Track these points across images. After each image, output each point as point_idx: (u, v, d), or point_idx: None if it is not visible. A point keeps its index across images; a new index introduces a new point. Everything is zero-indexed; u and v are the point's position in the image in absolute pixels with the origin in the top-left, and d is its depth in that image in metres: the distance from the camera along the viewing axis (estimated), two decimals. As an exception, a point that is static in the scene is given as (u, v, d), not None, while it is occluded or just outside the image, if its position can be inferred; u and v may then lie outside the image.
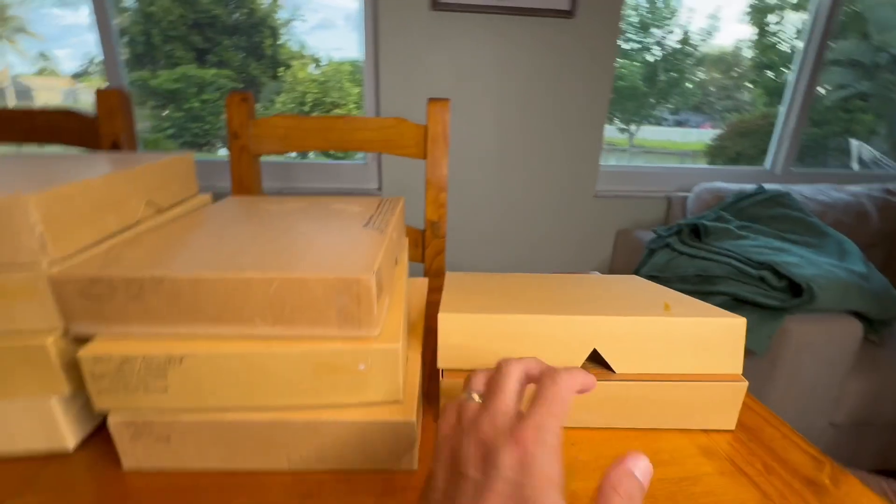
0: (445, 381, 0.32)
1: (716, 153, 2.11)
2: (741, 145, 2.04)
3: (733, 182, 1.62)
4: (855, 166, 2.14)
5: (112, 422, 0.28)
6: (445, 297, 0.36)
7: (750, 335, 0.96)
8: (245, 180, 0.64)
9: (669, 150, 2.18)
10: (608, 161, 1.72)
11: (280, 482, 0.28)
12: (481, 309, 0.33)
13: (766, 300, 0.95)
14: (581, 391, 0.21)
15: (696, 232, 1.21)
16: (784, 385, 0.97)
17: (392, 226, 0.38)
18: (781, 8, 1.92)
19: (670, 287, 1.15)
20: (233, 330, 0.27)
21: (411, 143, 0.64)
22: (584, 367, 0.32)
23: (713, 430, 0.33)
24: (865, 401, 1.00)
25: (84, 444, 0.31)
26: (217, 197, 0.47)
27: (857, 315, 1.00)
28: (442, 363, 0.33)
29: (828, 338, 0.93)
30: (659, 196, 1.61)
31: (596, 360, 0.32)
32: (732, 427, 0.33)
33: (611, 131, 2.05)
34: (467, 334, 0.32)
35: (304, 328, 0.27)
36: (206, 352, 0.26)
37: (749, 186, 1.41)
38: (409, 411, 0.28)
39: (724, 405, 0.32)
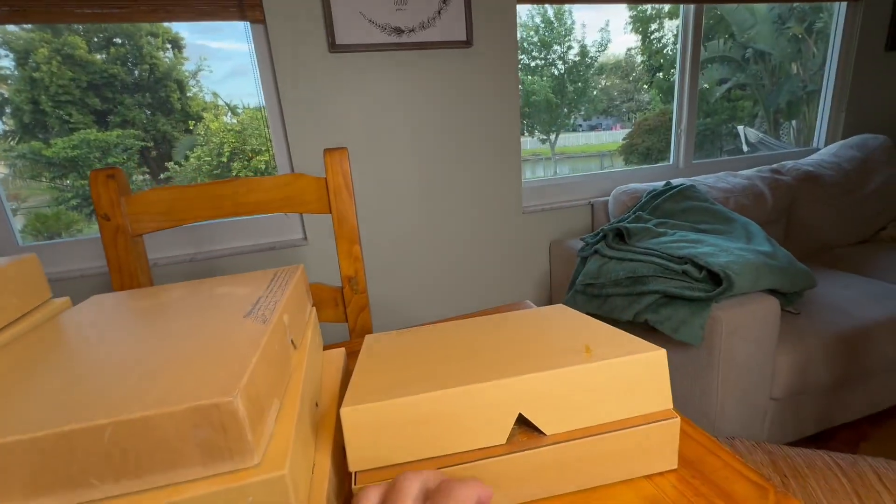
0: (359, 488, 0.27)
1: (629, 151, 2.28)
2: (649, 141, 2.21)
3: (646, 181, 1.73)
4: (745, 147, 2.39)
5: None
6: (353, 381, 0.31)
7: (685, 328, 0.99)
8: (125, 265, 0.56)
9: (589, 152, 2.33)
10: (536, 170, 1.77)
11: None
12: (389, 393, 0.29)
13: (693, 293, 0.99)
14: None
15: (621, 234, 1.26)
16: (723, 370, 1.00)
17: (282, 307, 0.33)
18: (658, 17, 2.14)
19: (606, 292, 1.17)
20: (59, 499, 0.21)
21: (313, 198, 0.60)
22: (512, 432, 0.29)
23: (656, 473, 0.31)
24: (796, 371, 1.06)
25: None
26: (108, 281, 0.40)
27: (773, 292, 1.07)
28: (353, 465, 0.28)
29: (752, 318, 0.99)
30: (582, 203, 1.67)
31: (524, 422, 0.30)
32: (674, 466, 0.31)
33: (533, 143, 2.15)
34: (378, 426, 0.28)
35: (158, 476, 0.22)
36: (19, 540, 0.20)
37: (659, 184, 1.50)
38: (311, 546, 0.23)
39: (662, 446, 0.30)
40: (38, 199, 1.34)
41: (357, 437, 0.28)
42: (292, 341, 0.34)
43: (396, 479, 0.19)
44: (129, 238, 0.56)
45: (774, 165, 1.72)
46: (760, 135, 2.44)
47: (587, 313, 1.28)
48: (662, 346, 1.07)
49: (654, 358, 0.30)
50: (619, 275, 1.12)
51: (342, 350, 0.45)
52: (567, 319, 0.40)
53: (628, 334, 0.34)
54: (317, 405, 0.35)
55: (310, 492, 0.27)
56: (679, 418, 0.30)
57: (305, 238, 1.36)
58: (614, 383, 0.30)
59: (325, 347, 0.48)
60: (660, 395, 0.30)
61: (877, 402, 1.23)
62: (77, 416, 0.21)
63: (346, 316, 0.61)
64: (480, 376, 0.29)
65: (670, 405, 0.31)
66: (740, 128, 2.44)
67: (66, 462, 0.21)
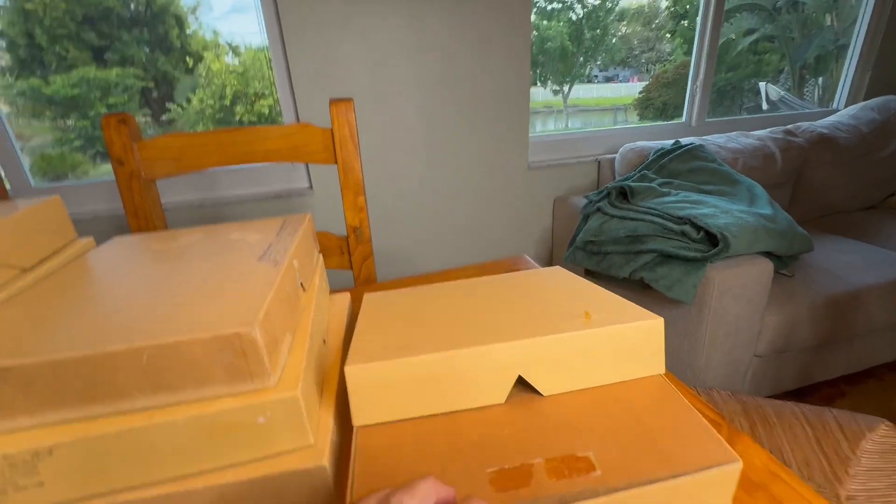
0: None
1: (644, 105, 2.19)
2: (666, 95, 2.13)
3: (656, 138, 1.70)
4: (764, 106, 2.30)
5: (-15, 528, 0.25)
6: (356, 340, 0.32)
7: (678, 287, 1.02)
8: (140, 210, 0.59)
9: (603, 105, 2.24)
10: (547, 123, 1.74)
11: (193, 552, 0.27)
12: (392, 353, 0.30)
13: (689, 253, 1.01)
14: None
15: (624, 193, 1.26)
16: (712, 328, 1.05)
17: (292, 253, 0.36)
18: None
19: (605, 249, 1.19)
20: (107, 408, 0.25)
21: (319, 148, 0.61)
22: (511, 392, 0.30)
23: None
24: (783, 331, 1.11)
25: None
26: (122, 222, 0.43)
27: (769, 254, 1.09)
28: (357, 420, 0.29)
29: (745, 279, 1.01)
30: (589, 160, 1.66)
31: (521, 382, 0.31)
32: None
33: (545, 94, 2.08)
34: (381, 384, 0.29)
35: (189, 392, 0.25)
36: (77, 437, 0.24)
37: (668, 143, 1.48)
38: (320, 455, 0.28)
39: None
40: (41, 139, 1.34)
41: (360, 394, 0.29)
42: (301, 284, 0.37)
43: (391, 499, 0.19)
44: (143, 183, 0.58)
45: (789, 126, 1.68)
46: (782, 93, 2.35)
47: (586, 269, 1.31)
48: (656, 303, 1.11)
49: (652, 326, 0.31)
50: (619, 233, 1.14)
51: (347, 295, 0.48)
52: (567, 283, 0.41)
53: (626, 301, 0.35)
54: (324, 342, 0.39)
55: (319, 415, 0.31)
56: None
57: (311, 187, 1.37)
58: (612, 349, 0.31)
59: (331, 292, 0.51)
60: (654, 360, 0.31)
61: (856, 363, 1.28)
62: (119, 339, 0.24)
63: (351, 264, 0.65)
64: (482, 339, 0.30)
65: (663, 370, 0.32)
66: (762, 84, 2.34)
67: (111, 377, 0.24)
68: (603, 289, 0.38)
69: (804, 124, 1.69)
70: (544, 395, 0.30)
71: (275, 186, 1.37)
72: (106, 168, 1.38)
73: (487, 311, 0.36)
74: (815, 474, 0.62)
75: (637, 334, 0.31)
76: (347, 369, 0.28)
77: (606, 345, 0.31)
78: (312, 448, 0.28)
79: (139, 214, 0.58)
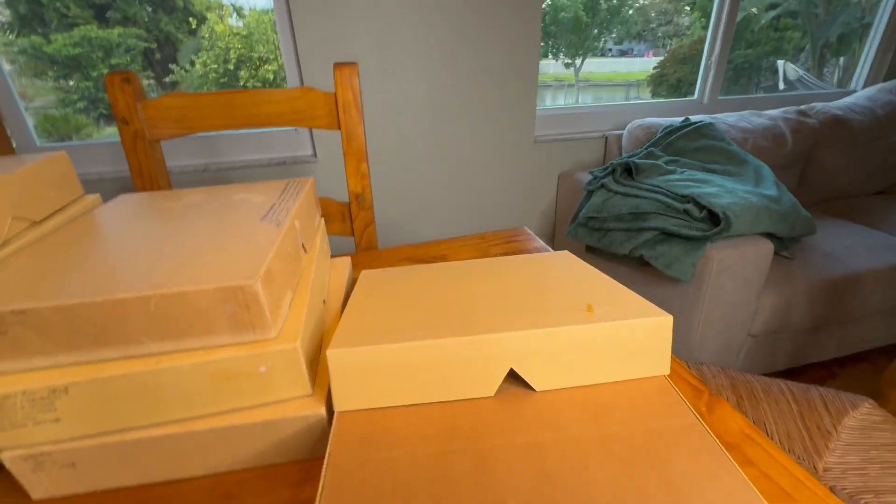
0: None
1: (658, 82, 2.13)
2: (681, 72, 2.07)
3: (666, 115, 1.67)
4: (781, 85, 2.24)
5: (7, 458, 0.27)
6: (343, 322, 0.31)
7: (677, 265, 1.03)
8: (145, 169, 0.59)
9: (615, 81, 2.18)
10: (557, 98, 1.71)
11: (199, 487, 0.29)
12: (377, 337, 0.28)
13: (690, 231, 1.01)
14: None
15: (629, 170, 1.26)
16: (708, 306, 1.06)
17: (294, 214, 0.37)
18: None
19: (607, 226, 1.20)
20: (118, 352, 0.26)
21: (322, 113, 0.61)
22: (501, 387, 0.29)
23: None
24: (778, 312, 1.12)
25: (-11, 479, 0.30)
26: (127, 184, 0.44)
27: (770, 235, 1.09)
28: (338, 405, 0.28)
29: (744, 260, 1.02)
30: (596, 136, 1.64)
31: (513, 375, 0.29)
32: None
33: (556, 67, 2.02)
34: (364, 369, 0.27)
35: (195, 340, 0.27)
36: (91, 378, 0.26)
37: (677, 120, 1.45)
38: (319, 404, 0.29)
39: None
40: (44, 99, 1.34)
41: (342, 379, 0.28)
42: (303, 245, 0.38)
43: None
44: (148, 143, 0.58)
45: (803, 107, 1.64)
46: (801, 72, 2.28)
47: (587, 245, 1.32)
48: (654, 280, 1.12)
49: (659, 323, 0.29)
50: (622, 210, 1.14)
51: (348, 259, 0.49)
52: (571, 270, 0.39)
53: (634, 293, 0.33)
54: (325, 302, 0.40)
55: (318, 368, 0.32)
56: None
57: (315, 155, 1.37)
58: (613, 346, 0.28)
59: (333, 257, 0.52)
60: (659, 360, 0.29)
61: (848, 345, 1.30)
62: (128, 287, 0.26)
63: (353, 231, 0.65)
64: (473, 328, 0.29)
65: (667, 371, 0.30)
66: (780, 62, 2.27)
67: (121, 323, 0.26)
68: (610, 279, 0.36)
69: (818, 105, 1.65)
70: (537, 390, 0.29)
71: (279, 153, 1.37)
72: (110, 130, 1.38)
73: (484, 298, 0.34)
74: (796, 446, 0.64)
75: (642, 332, 0.28)
76: (329, 353, 0.27)
77: (608, 341, 0.28)
78: (311, 398, 0.30)
79: (144, 174, 0.59)
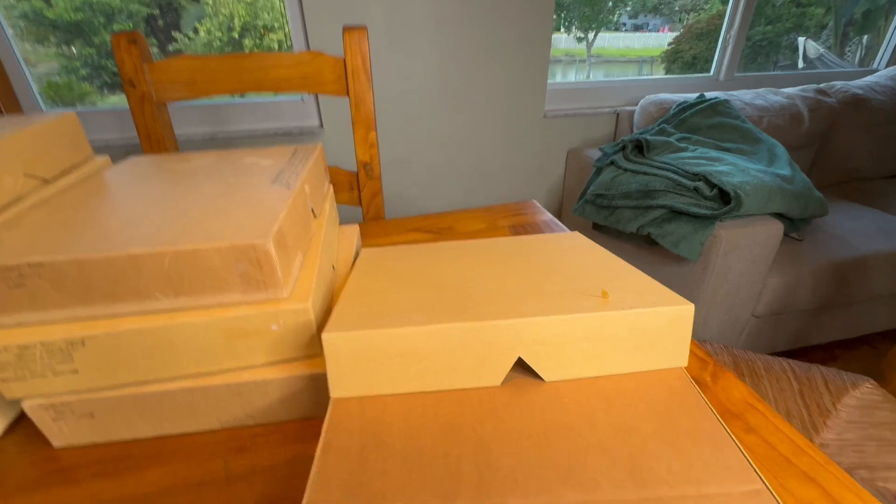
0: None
1: (672, 58, 2.07)
2: (697, 48, 2.00)
3: (680, 91, 1.63)
4: (801, 63, 2.17)
5: (28, 407, 0.28)
6: (340, 304, 0.29)
7: (685, 244, 1.02)
8: (153, 133, 0.59)
9: (629, 57, 2.12)
10: (567, 74, 1.67)
11: (212, 440, 0.30)
12: (376, 321, 0.26)
13: (700, 210, 1.00)
14: None
15: (640, 147, 1.23)
16: (713, 286, 1.06)
17: (304, 178, 0.37)
18: None
19: (615, 203, 1.18)
20: (133, 307, 0.27)
21: (331, 78, 0.60)
22: (508, 375, 0.27)
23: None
24: (783, 293, 1.12)
25: (12, 428, 0.31)
26: (133, 151, 0.44)
27: (780, 216, 1.08)
28: (334, 391, 0.26)
29: (752, 240, 1.01)
30: (608, 112, 1.61)
31: (521, 364, 0.27)
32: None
33: (568, 41, 1.97)
34: (361, 355, 0.26)
35: (209, 297, 0.27)
36: (107, 331, 0.26)
37: (691, 96, 1.42)
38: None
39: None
40: (46, 66, 1.32)
41: (339, 364, 0.26)
42: (312, 210, 0.38)
43: None
44: (155, 106, 0.58)
45: (822, 85, 1.60)
46: (822, 50, 2.20)
47: (594, 223, 1.31)
48: (660, 259, 1.11)
49: (679, 312, 0.26)
50: (631, 187, 1.13)
51: (356, 226, 0.49)
52: (584, 252, 0.37)
53: (651, 279, 0.31)
54: (333, 268, 0.40)
55: (327, 328, 0.33)
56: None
57: (322, 125, 1.35)
58: (629, 335, 0.27)
59: (340, 226, 0.52)
60: (677, 351, 0.27)
61: (851, 328, 1.30)
62: (142, 243, 0.26)
63: (360, 200, 0.65)
64: (479, 313, 0.27)
65: (685, 363, 0.28)
66: (801, 39, 2.19)
67: (135, 278, 0.26)
68: (625, 262, 0.34)
69: (838, 83, 1.60)
70: (546, 380, 0.27)
71: (285, 123, 1.36)
72: (114, 99, 1.36)
73: (491, 280, 0.32)
74: (795, 423, 0.65)
75: (661, 321, 0.26)
76: (325, 336, 0.25)
77: (624, 331, 0.26)
78: (321, 357, 0.30)
79: (152, 138, 0.58)
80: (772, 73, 1.83)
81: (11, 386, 0.27)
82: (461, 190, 1.57)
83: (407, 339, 0.26)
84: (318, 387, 0.30)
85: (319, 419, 0.31)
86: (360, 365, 0.26)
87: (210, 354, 0.28)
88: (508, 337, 0.26)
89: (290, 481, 0.27)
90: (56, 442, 0.29)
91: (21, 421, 0.31)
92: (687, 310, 0.27)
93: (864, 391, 0.68)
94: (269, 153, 0.43)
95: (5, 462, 0.29)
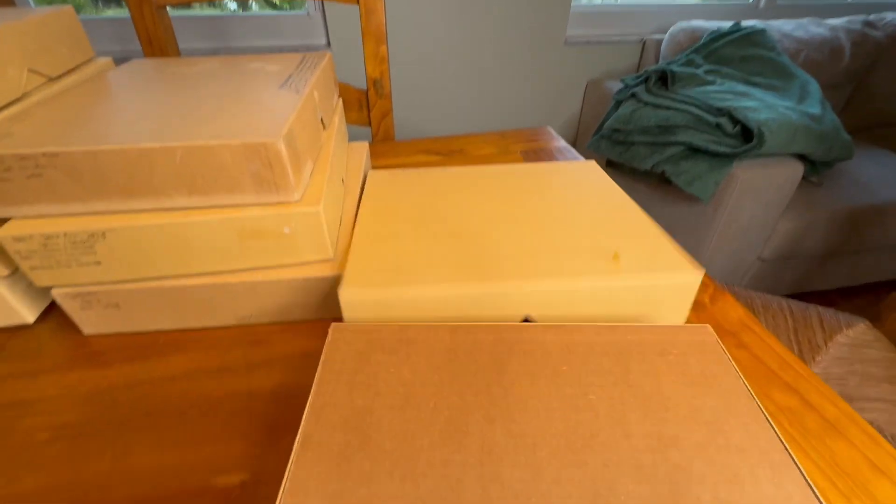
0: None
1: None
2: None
3: (714, 19, 1.51)
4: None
5: (57, 295, 0.29)
6: (353, 254, 0.30)
7: (698, 183, 1.00)
8: (155, 39, 0.56)
9: None
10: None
11: (231, 335, 0.32)
12: (391, 278, 0.27)
13: (719, 147, 0.97)
14: None
15: (664, 79, 1.17)
16: (722, 227, 1.05)
17: (312, 85, 0.35)
18: None
19: (632, 139, 1.14)
20: (150, 203, 0.27)
21: (340, -17, 0.55)
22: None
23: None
24: (792, 237, 1.11)
25: (44, 316, 0.33)
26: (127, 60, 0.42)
27: (802, 158, 1.04)
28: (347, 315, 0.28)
29: (769, 182, 0.99)
30: (634, 40, 1.50)
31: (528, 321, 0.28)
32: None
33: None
34: (376, 308, 0.27)
35: (222, 197, 0.27)
36: (125, 225, 0.27)
37: (726, 24, 1.31)
38: (340, 266, 0.31)
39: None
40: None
41: (354, 312, 0.27)
42: (322, 120, 0.38)
43: None
44: (154, 9, 0.55)
45: (871, 17, 1.46)
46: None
47: (608, 159, 1.27)
48: (671, 198, 1.09)
49: (688, 278, 0.27)
50: (650, 122, 1.08)
51: (365, 143, 0.48)
52: (599, 191, 0.37)
53: (664, 235, 0.31)
54: (343, 181, 0.40)
55: (338, 236, 0.34)
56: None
57: (329, 44, 1.28)
58: (635, 299, 0.27)
59: (349, 143, 0.51)
60: (678, 313, 0.29)
61: (856, 276, 1.30)
62: (153, 138, 0.26)
63: (370, 120, 0.63)
64: (490, 272, 0.27)
65: (684, 321, 0.29)
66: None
67: (149, 174, 0.26)
68: (640, 210, 0.34)
69: (889, 15, 1.47)
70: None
71: (290, 40, 1.29)
72: (109, 13, 1.29)
73: (505, 227, 0.32)
74: (784, 357, 0.67)
75: (668, 287, 0.27)
76: (342, 293, 0.27)
77: (630, 295, 0.27)
78: (332, 262, 0.31)
79: (154, 44, 0.56)
80: (819, 1, 1.67)
81: (40, 274, 0.28)
82: (474, 117, 1.52)
83: (421, 298, 0.27)
84: (328, 290, 0.31)
85: (330, 320, 0.32)
86: (375, 314, 0.27)
87: (225, 254, 0.29)
88: (519, 297, 0.27)
89: (304, 370, 0.29)
90: (86, 329, 0.31)
91: (52, 311, 0.33)
92: (696, 277, 0.27)
93: (858, 331, 0.70)
94: (275, 59, 0.42)
95: (40, 346, 0.31)
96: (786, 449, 0.19)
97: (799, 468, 0.18)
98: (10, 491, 0.23)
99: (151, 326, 0.32)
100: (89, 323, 0.31)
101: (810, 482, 0.17)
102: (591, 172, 0.41)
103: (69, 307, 0.30)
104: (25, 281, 0.32)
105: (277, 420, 0.26)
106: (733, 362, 0.22)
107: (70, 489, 0.23)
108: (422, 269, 0.28)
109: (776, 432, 0.19)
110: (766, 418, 0.20)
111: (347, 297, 0.27)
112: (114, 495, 0.22)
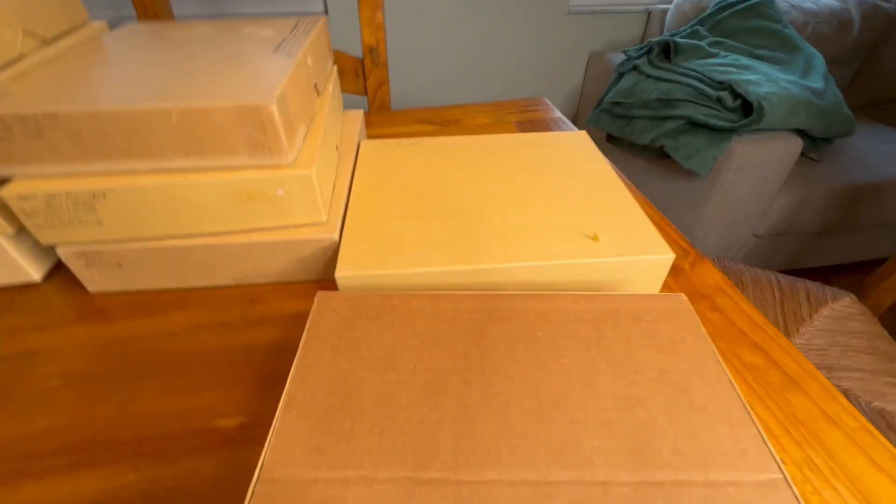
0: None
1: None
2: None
3: (721, -11, 1.46)
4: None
5: (62, 253, 0.30)
6: (347, 234, 0.31)
7: (697, 157, 1.00)
8: (149, 4, 0.56)
9: None
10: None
11: (230, 294, 0.33)
12: (385, 261, 0.29)
13: (718, 122, 0.96)
14: None
15: (667, 51, 1.15)
16: (718, 203, 1.06)
17: (305, 50, 0.36)
18: None
19: (632, 113, 1.14)
20: (148, 164, 0.28)
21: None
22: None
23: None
24: (788, 214, 1.11)
25: (52, 274, 0.35)
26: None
27: (802, 133, 1.04)
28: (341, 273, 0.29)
29: (768, 157, 0.99)
30: (639, 10, 1.47)
31: None
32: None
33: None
34: (370, 287, 0.29)
35: (217, 158, 0.28)
36: (125, 186, 0.28)
37: (734, -6, 1.28)
38: (332, 230, 0.32)
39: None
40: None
41: (349, 287, 0.29)
42: (315, 86, 0.38)
43: None
44: (148, -29, 0.54)
45: (884, -13, 1.42)
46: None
47: (608, 134, 1.27)
48: (669, 172, 1.09)
49: (661, 261, 0.29)
50: (651, 95, 1.07)
51: (360, 112, 0.49)
52: (586, 167, 0.38)
53: (643, 216, 0.32)
54: (337, 148, 0.41)
55: (331, 201, 0.35)
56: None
57: (326, 12, 1.25)
58: (610, 277, 0.30)
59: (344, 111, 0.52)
60: (653, 283, 0.31)
61: (850, 254, 1.31)
62: (149, 99, 0.26)
63: (366, 89, 0.63)
64: (482, 254, 0.29)
65: (658, 291, 0.32)
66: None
67: (146, 135, 0.27)
68: (623, 187, 0.35)
69: (903, -14, 1.43)
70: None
71: (287, 7, 1.26)
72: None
73: (494, 204, 0.34)
74: (768, 328, 0.69)
75: (643, 267, 0.30)
76: (338, 277, 0.28)
77: (606, 273, 0.30)
78: (325, 225, 0.32)
79: (148, 7, 0.55)
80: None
81: (44, 232, 0.29)
82: (472, 88, 1.50)
83: (415, 278, 0.28)
84: (321, 252, 0.32)
85: (324, 282, 0.34)
86: (369, 287, 0.29)
87: (222, 215, 0.30)
88: (506, 277, 0.29)
89: (298, 328, 0.30)
90: (90, 287, 0.33)
91: (57, 272, 0.35)
92: (666, 260, 0.29)
93: (843, 304, 0.72)
94: (269, 23, 0.42)
95: (48, 302, 0.33)
96: (745, 408, 0.20)
97: (756, 426, 0.19)
98: (26, 431, 0.25)
99: (153, 285, 0.33)
100: (94, 281, 0.32)
101: (766, 439, 0.18)
102: (580, 144, 0.42)
103: (74, 265, 0.31)
104: (31, 240, 0.33)
105: (273, 371, 0.28)
106: (703, 328, 0.24)
107: (81, 430, 0.25)
108: (412, 250, 0.30)
109: (738, 393, 0.20)
110: (730, 380, 0.21)
111: (343, 278, 0.28)
112: (122, 434, 0.24)
